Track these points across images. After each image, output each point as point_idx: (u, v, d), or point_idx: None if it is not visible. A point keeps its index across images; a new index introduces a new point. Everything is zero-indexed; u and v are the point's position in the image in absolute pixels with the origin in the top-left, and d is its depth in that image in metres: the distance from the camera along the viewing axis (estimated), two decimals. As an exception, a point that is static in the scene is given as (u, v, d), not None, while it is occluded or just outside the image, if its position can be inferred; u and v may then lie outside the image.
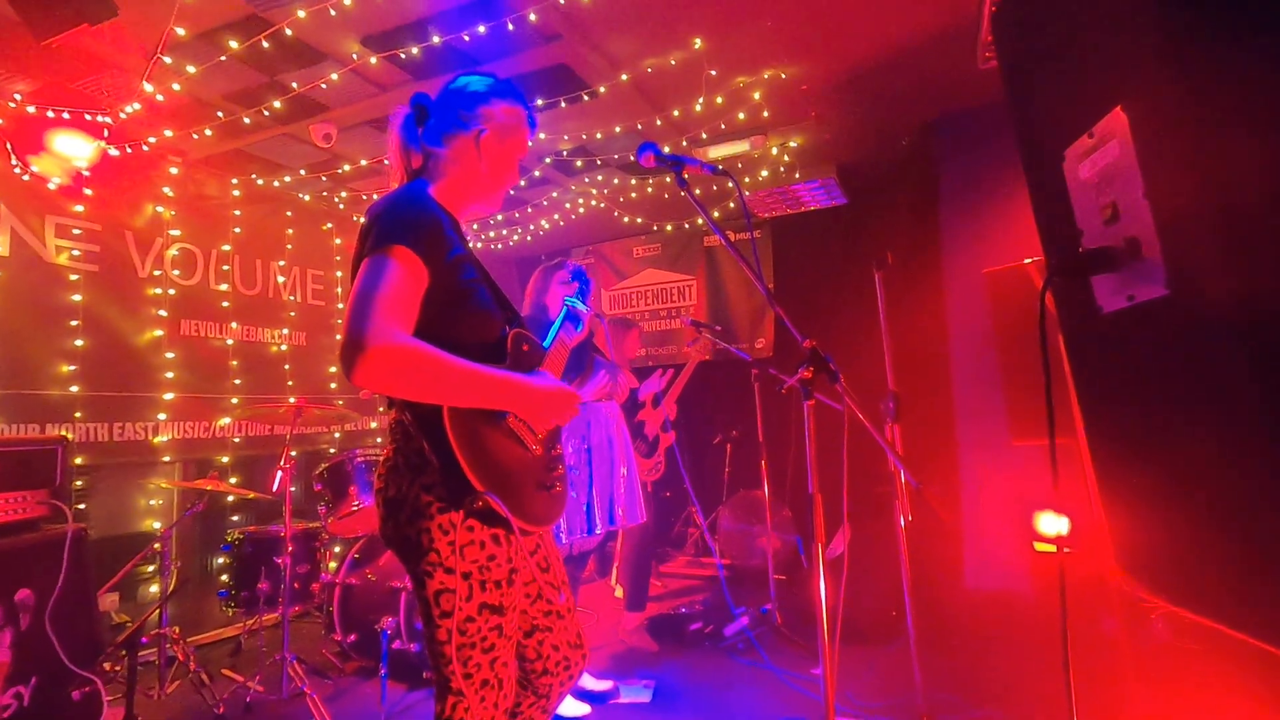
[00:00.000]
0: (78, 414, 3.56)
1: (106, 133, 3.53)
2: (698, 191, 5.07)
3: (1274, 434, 0.74)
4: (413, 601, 3.07)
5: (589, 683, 2.95)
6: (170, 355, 3.99)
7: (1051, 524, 2.53)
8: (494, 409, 1.35)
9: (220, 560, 4.05)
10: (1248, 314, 0.75)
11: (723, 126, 3.96)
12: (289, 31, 2.88)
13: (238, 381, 4.35)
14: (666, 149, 1.71)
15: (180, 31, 2.83)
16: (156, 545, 3.27)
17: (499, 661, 1.35)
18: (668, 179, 4.59)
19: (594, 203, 5.18)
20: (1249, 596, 0.86)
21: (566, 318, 1.70)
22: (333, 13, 2.77)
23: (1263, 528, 0.79)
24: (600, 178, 4.79)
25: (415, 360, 1.19)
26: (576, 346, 1.76)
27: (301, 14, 2.78)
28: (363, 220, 1.35)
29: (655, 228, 6.01)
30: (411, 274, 1.26)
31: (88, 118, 3.43)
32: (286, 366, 4.69)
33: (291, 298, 4.78)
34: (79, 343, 3.59)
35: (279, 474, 3.18)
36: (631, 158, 4.27)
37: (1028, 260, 2.35)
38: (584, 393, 3.14)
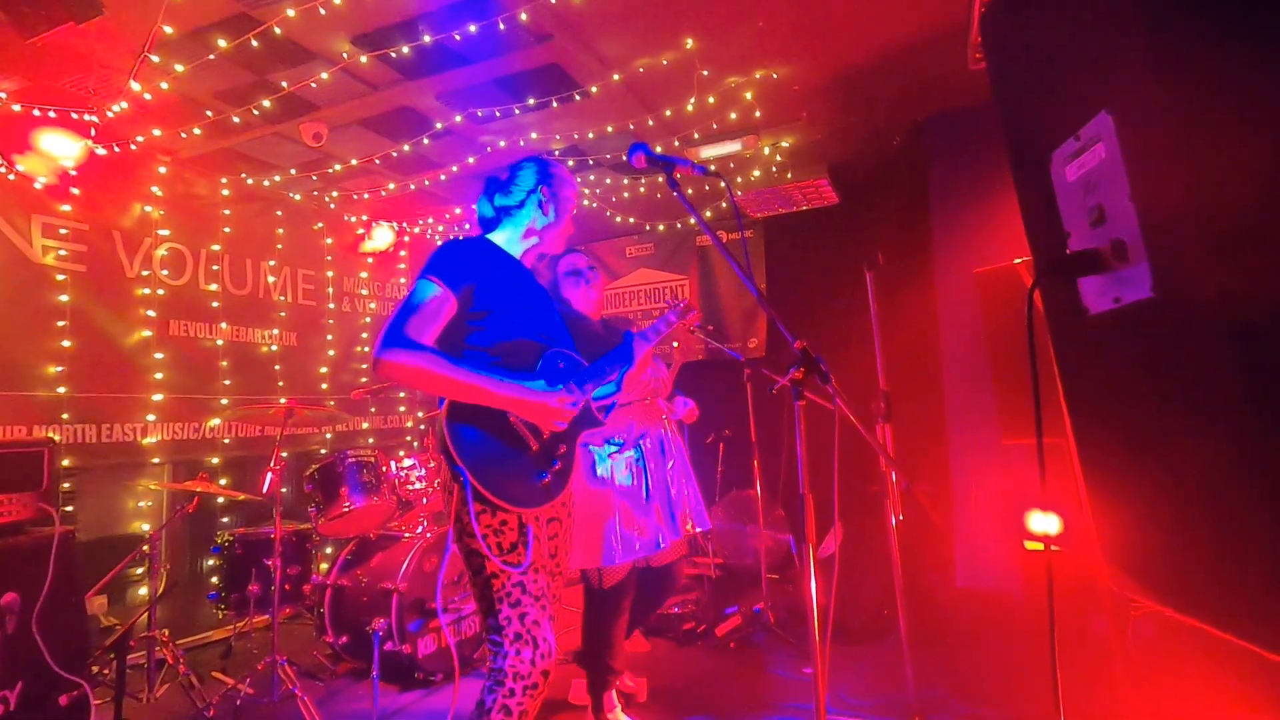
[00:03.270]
0: (65, 415, 3.52)
1: (93, 132, 3.50)
2: (690, 192, 5.09)
3: (1257, 434, 0.75)
4: (404, 602, 3.07)
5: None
6: (159, 356, 3.96)
7: (1042, 523, 2.55)
8: (494, 407, 1.65)
9: (210, 562, 4.02)
10: (1232, 316, 0.76)
11: (714, 126, 3.96)
12: (278, 30, 2.86)
13: (228, 382, 4.32)
14: (658, 149, 1.73)
15: (168, 30, 2.81)
16: (145, 547, 3.25)
17: (529, 619, 1.59)
18: (659, 179, 4.59)
19: (586, 202, 5.17)
20: (1233, 597, 0.87)
21: (620, 352, 1.90)
22: (322, 11, 2.76)
23: (1247, 527, 0.80)
24: (592, 177, 4.78)
25: (415, 366, 1.57)
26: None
27: (291, 12, 2.76)
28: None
29: (648, 227, 6.00)
30: (436, 297, 1.64)
31: (74, 116, 3.39)
32: (277, 367, 4.66)
33: (282, 298, 4.75)
34: (66, 343, 3.56)
35: (269, 475, 3.16)
36: (623, 157, 4.27)
37: (1018, 260, 2.35)
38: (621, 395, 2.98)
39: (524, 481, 1.69)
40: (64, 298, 3.58)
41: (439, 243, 1.76)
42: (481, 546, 1.59)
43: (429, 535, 3.35)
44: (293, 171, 4.37)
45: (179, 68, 3.07)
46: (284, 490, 3.23)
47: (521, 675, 1.56)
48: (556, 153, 4.25)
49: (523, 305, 1.78)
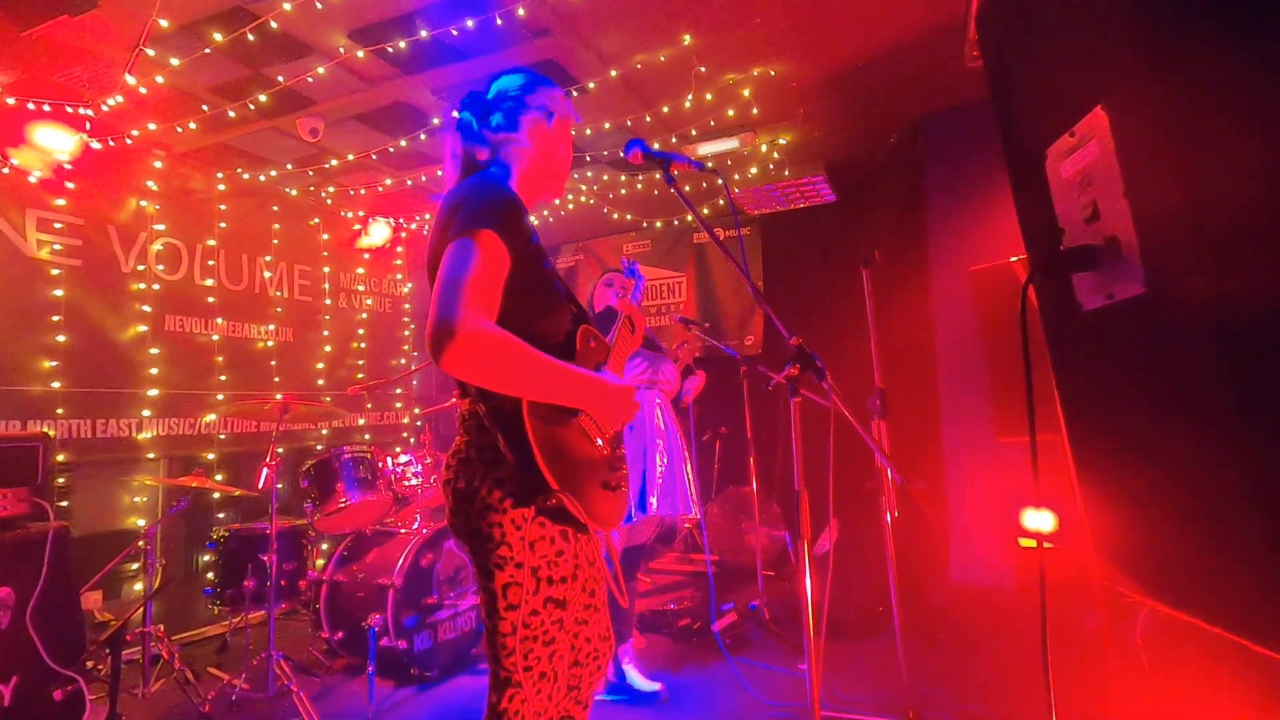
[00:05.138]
0: (60, 410, 3.51)
1: (88, 125, 3.49)
2: (687, 189, 5.08)
3: (1247, 431, 0.75)
4: (399, 598, 3.07)
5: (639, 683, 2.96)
6: (154, 351, 3.95)
7: (1035, 520, 2.56)
8: (569, 405, 1.36)
9: (205, 558, 4.02)
10: (1222, 313, 0.76)
11: (712, 123, 3.96)
12: (274, 24, 2.86)
13: (223, 378, 4.31)
14: (655, 145, 1.70)
15: (163, 23, 2.80)
16: (141, 543, 3.25)
17: (557, 655, 1.38)
18: (657, 175, 4.58)
19: (584, 199, 5.16)
20: (1224, 592, 0.87)
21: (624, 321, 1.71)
22: (319, 5, 2.75)
23: (1237, 523, 0.80)
24: (590, 174, 4.77)
25: (503, 348, 1.20)
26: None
27: (287, 6, 2.75)
28: (441, 206, 1.36)
29: (645, 224, 6.00)
30: (497, 259, 1.27)
31: (69, 110, 3.38)
32: (273, 363, 4.65)
33: (278, 293, 4.74)
34: (61, 338, 3.55)
35: (265, 471, 3.15)
36: (621, 153, 4.26)
37: (1013, 258, 2.36)
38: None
39: (605, 494, 1.42)
40: (59, 292, 3.56)
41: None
42: (531, 582, 1.32)
43: (425, 531, 3.35)
44: (289, 167, 4.36)
45: (175, 61, 3.06)
46: (280, 486, 3.23)
47: (541, 713, 1.38)
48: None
49: (554, 271, 1.49)
